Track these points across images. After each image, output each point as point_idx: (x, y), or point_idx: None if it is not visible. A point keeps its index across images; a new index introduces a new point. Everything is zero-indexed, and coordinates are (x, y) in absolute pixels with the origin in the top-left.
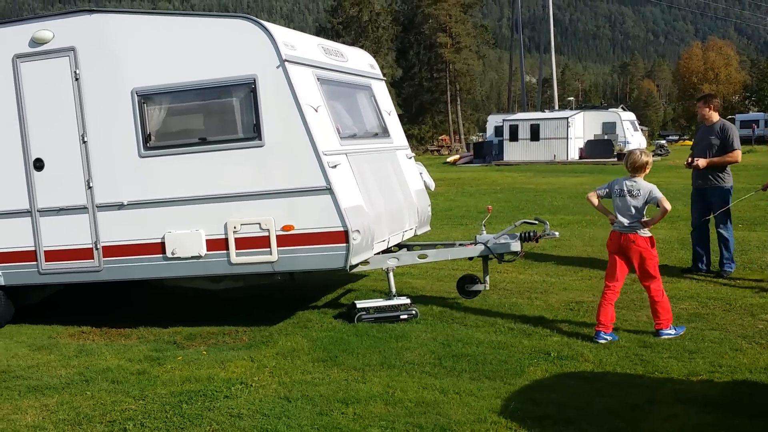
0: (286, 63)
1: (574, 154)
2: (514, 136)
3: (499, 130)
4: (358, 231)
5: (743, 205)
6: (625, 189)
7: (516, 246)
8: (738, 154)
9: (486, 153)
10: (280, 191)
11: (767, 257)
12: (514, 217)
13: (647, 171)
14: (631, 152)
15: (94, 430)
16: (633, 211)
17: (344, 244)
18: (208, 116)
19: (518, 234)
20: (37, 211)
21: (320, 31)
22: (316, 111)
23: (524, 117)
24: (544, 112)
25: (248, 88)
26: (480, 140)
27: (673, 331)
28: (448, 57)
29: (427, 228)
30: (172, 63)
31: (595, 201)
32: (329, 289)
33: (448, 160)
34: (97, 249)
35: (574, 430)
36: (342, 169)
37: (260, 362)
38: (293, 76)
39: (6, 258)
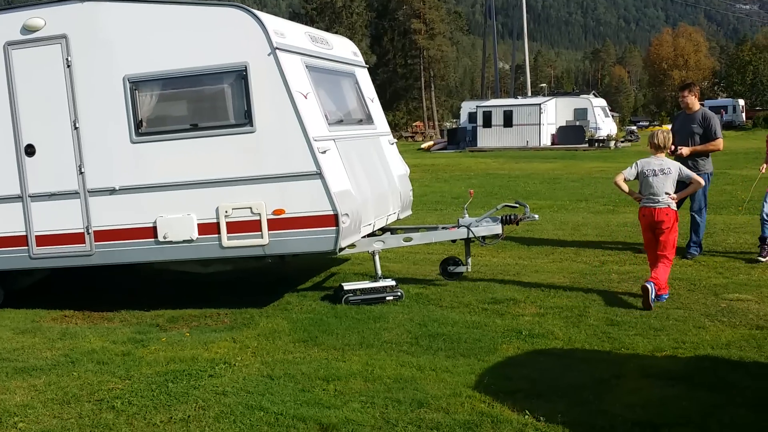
0: (277, 51)
1: (546, 140)
2: (487, 123)
3: (472, 117)
4: (347, 215)
5: (710, 189)
6: (656, 168)
7: (497, 229)
8: (720, 143)
9: (460, 139)
10: (271, 176)
11: (731, 240)
12: (488, 202)
13: (668, 149)
14: (654, 133)
15: (82, 409)
16: (667, 187)
17: (334, 228)
18: (199, 103)
19: (500, 217)
20: (29, 196)
21: (294, 17)
22: (306, 98)
23: (497, 103)
24: (516, 98)
25: (239, 75)
26: (454, 126)
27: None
28: (422, 43)
29: (409, 212)
30: (164, 50)
31: (624, 185)
32: (309, 272)
33: (422, 146)
34: (88, 233)
35: (544, 403)
36: (331, 154)
37: (242, 343)
38: (284, 63)
39: None
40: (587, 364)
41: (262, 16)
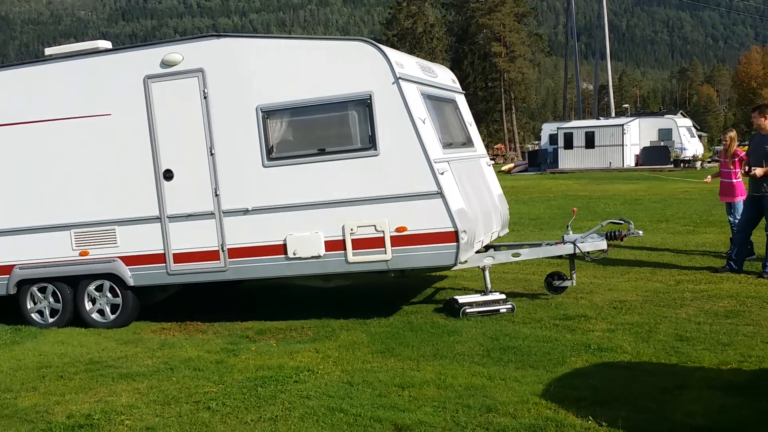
0: (399, 80)
1: (629, 161)
2: (568, 144)
3: (553, 138)
4: (465, 231)
5: None
6: None
7: (603, 244)
8: None
9: (541, 161)
10: (394, 196)
11: None
12: (565, 223)
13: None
14: None
15: (181, 409)
16: None
17: (455, 243)
18: (326, 129)
19: (604, 233)
20: (167, 217)
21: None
22: (424, 123)
23: (579, 125)
24: (599, 119)
25: (364, 103)
26: (535, 148)
27: None
28: (502, 66)
29: (507, 230)
30: (294, 82)
31: None
32: (384, 289)
33: (503, 168)
34: (223, 251)
35: (607, 410)
36: (447, 175)
37: (324, 353)
38: (405, 91)
39: (137, 260)
40: (652, 376)
41: (385, 48)
